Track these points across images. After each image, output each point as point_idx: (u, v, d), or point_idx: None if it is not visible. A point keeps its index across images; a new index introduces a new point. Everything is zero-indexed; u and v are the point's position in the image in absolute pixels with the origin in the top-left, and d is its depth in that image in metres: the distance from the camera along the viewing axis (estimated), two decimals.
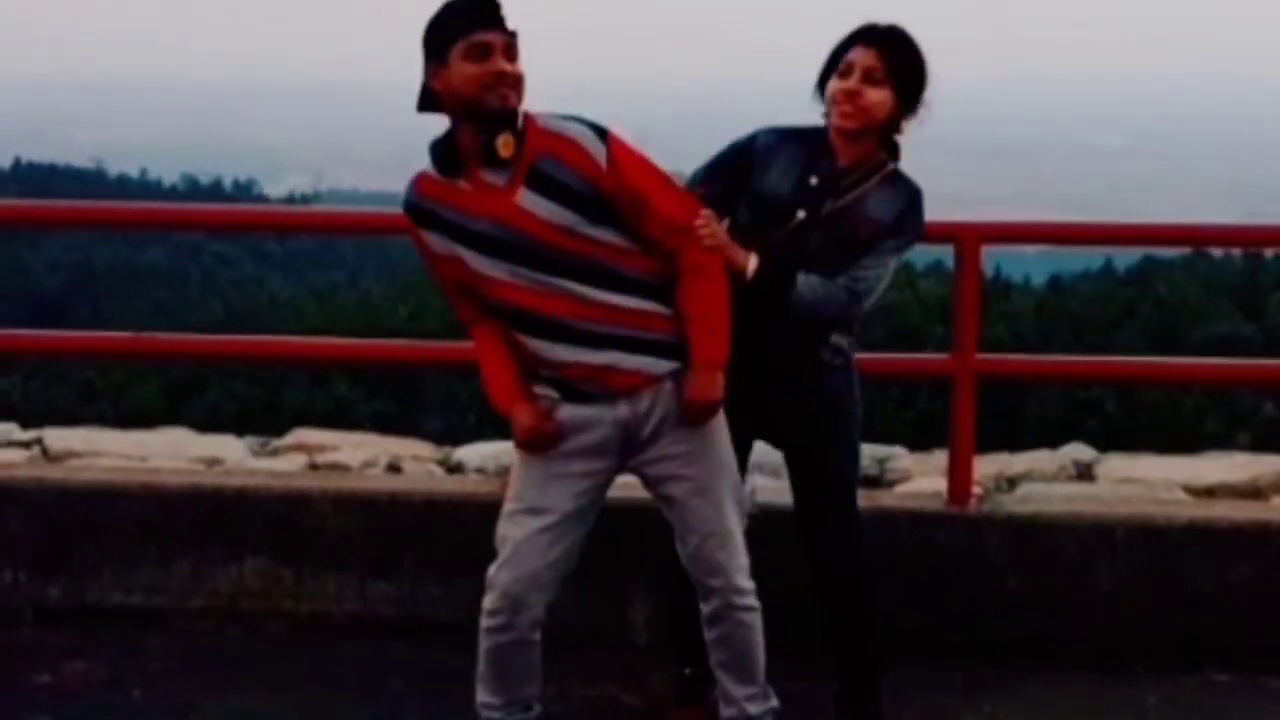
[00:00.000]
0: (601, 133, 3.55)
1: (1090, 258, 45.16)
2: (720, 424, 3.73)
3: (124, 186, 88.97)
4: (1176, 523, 4.84)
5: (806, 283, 3.76)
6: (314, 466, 5.89)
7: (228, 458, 5.99)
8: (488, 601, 3.71)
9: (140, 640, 4.90)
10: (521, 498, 3.73)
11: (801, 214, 3.81)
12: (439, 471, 5.93)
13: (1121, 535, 4.79)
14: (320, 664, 4.76)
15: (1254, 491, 5.46)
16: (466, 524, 4.96)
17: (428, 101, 3.58)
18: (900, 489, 5.44)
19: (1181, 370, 6.72)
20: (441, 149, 3.59)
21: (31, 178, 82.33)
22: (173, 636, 4.96)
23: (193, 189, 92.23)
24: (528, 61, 3.55)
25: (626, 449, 3.70)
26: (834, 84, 3.80)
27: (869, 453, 5.65)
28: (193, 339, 6.02)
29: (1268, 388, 15.58)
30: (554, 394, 3.68)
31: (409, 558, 4.98)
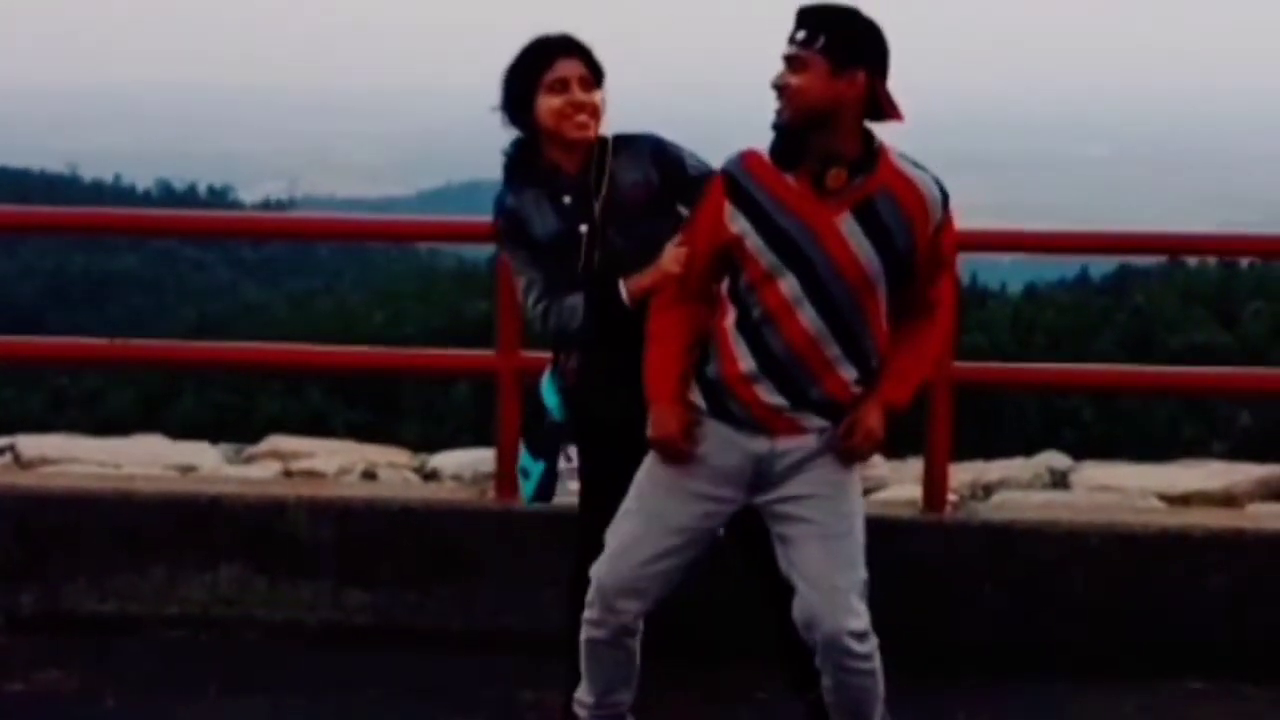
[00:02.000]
0: (945, 196, 3.59)
1: (1066, 266, 45.35)
2: (856, 480, 3.70)
3: (98, 192, 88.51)
4: (1151, 530, 4.85)
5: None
6: (289, 474, 5.87)
7: (202, 465, 5.96)
8: (589, 596, 3.72)
9: (113, 648, 4.88)
10: (642, 499, 3.71)
11: (584, 228, 3.85)
12: (415, 479, 5.90)
13: (1097, 543, 4.80)
14: (295, 672, 4.73)
15: (1228, 499, 5.47)
16: (442, 531, 4.95)
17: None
18: (876, 496, 5.44)
19: (1157, 379, 6.72)
20: (785, 138, 3.56)
21: (4, 183, 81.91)
22: (146, 644, 4.94)
23: (167, 195, 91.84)
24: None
25: (756, 483, 3.65)
26: (553, 101, 3.81)
27: None
28: (167, 345, 6.01)
29: (1243, 396, 15.68)
30: (702, 404, 3.65)
31: (384, 565, 4.96)
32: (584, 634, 3.76)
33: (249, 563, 5.00)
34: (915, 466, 5.35)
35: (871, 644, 3.64)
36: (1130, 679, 4.67)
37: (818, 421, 3.61)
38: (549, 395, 4.03)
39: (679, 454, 3.64)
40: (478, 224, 5.32)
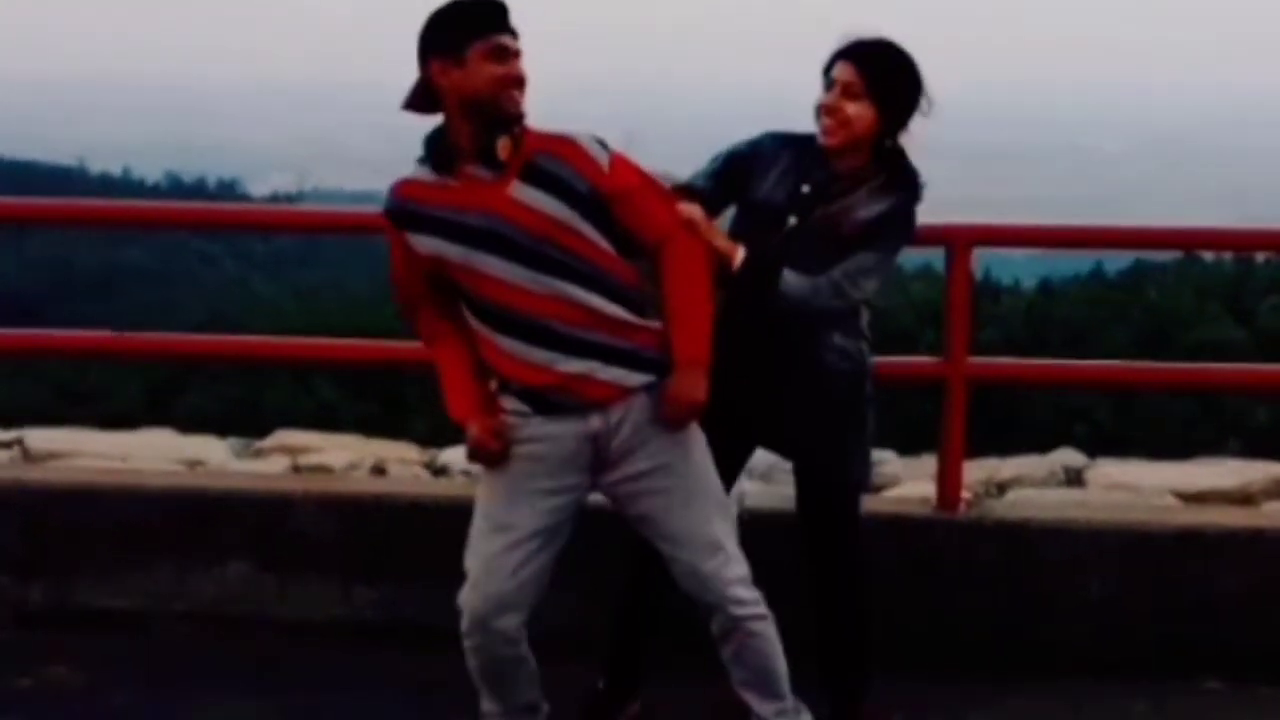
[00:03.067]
0: (604, 144, 3.58)
1: (1080, 261, 45.23)
2: (697, 434, 3.68)
3: (106, 184, 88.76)
4: (1167, 529, 4.81)
5: (792, 275, 3.77)
6: (297, 469, 5.86)
7: (210, 459, 5.95)
8: (462, 623, 3.67)
9: (121, 644, 4.87)
10: (488, 515, 3.68)
11: (793, 220, 3.84)
12: (424, 474, 5.89)
13: (1112, 541, 4.76)
14: (303, 668, 4.72)
15: (1245, 497, 5.45)
16: (452, 527, 4.88)
17: (421, 99, 3.58)
18: (889, 494, 5.42)
19: (1172, 375, 6.69)
20: (436, 144, 3.59)
21: (12, 175, 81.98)
22: (154, 640, 4.93)
23: (175, 187, 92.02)
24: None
25: (597, 464, 3.64)
26: (818, 98, 3.84)
27: None
28: (175, 339, 5.96)
29: (1258, 393, 15.62)
30: (525, 408, 3.63)
31: (393, 561, 4.93)
32: (469, 661, 3.70)
33: (257, 558, 4.98)
34: (929, 464, 5.32)
35: (757, 591, 3.68)
36: (1145, 678, 4.64)
37: (638, 378, 3.58)
38: None
39: (493, 454, 3.63)
40: None
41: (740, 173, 3.93)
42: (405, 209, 3.61)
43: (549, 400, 3.59)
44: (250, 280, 68.07)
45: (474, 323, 3.65)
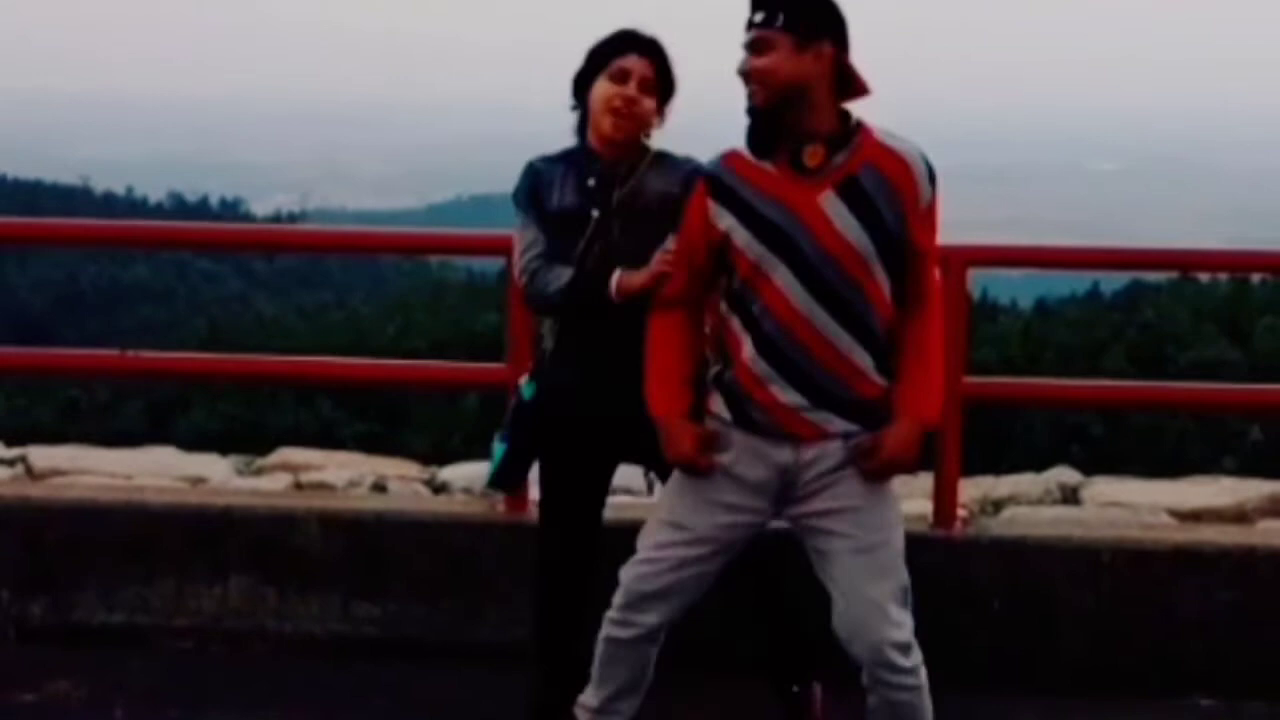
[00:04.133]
0: (932, 172, 3.52)
1: (1077, 281, 45.22)
2: (892, 488, 3.65)
3: (110, 204, 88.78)
4: (1162, 547, 4.84)
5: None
6: (299, 486, 5.88)
7: (213, 477, 5.98)
8: (614, 598, 3.71)
9: (123, 659, 4.88)
10: (670, 510, 3.71)
11: (595, 213, 3.89)
12: (425, 491, 5.91)
13: (1107, 559, 4.79)
14: (304, 684, 4.73)
15: (1240, 516, 5.47)
16: (452, 544, 4.95)
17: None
18: None
19: (1168, 394, 6.72)
20: (759, 122, 3.53)
21: (17, 194, 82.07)
22: (156, 656, 4.95)
23: (179, 207, 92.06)
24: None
25: (783, 495, 3.62)
26: (607, 87, 3.87)
27: None
28: (178, 357, 6.02)
29: (1254, 412, 15.63)
30: (727, 415, 3.62)
31: (394, 578, 4.96)
32: (604, 632, 3.75)
33: (259, 575, 5.01)
34: (925, 481, 5.34)
35: (916, 657, 3.59)
36: (1140, 696, 4.66)
37: (841, 424, 3.55)
38: (527, 382, 4.08)
39: (699, 470, 3.63)
40: (488, 237, 5.35)
41: (537, 201, 3.97)
42: (723, 178, 3.57)
43: (752, 416, 3.59)
44: (254, 299, 68.04)
45: (725, 309, 3.63)
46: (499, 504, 5.07)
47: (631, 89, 3.87)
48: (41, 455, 6.12)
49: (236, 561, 5.02)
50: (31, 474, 5.92)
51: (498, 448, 4.14)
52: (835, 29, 3.49)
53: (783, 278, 3.48)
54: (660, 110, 3.96)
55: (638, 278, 3.77)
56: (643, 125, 3.92)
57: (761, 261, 3.49)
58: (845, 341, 3.51)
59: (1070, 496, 5.79)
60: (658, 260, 3.74)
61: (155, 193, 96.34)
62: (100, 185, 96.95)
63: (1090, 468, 6.63)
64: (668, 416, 3.66)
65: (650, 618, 3.69)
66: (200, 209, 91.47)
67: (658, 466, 4.00)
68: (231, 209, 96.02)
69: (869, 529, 3.57)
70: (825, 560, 3.60)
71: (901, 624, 3.56)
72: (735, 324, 3.59)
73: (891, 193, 3.46)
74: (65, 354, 6.30)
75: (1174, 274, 31.45)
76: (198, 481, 5.87)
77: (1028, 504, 5.62)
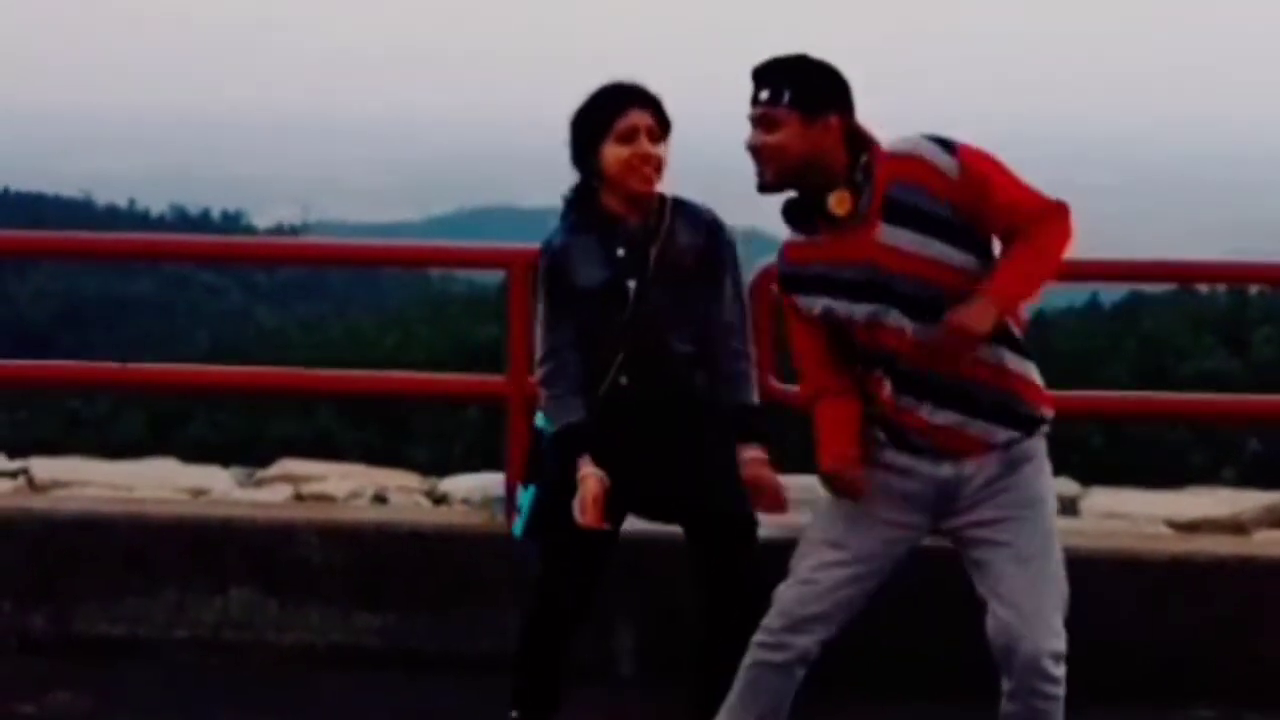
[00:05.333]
0: (948, 145, 3.48)
1: (1076, 293, 45.23)
2: (1049, 498, 3.65)
3: (112, 216, 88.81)
4: (1159, 557, 4.86)
5: (749, 391, 3.89)
6: (299, 497, 5.90)
7: (213, 488, 5.99)
8: (768, 618, 3.68)
9: (124, 671, 4.90)
10: (825, 529, 3.71)
11: (632, 284, 3.83)
12: (425, 502, 5.93)
13: (1104, 569, 4.80)
14: (304, 696, 4.75)
15: (1236, 526, 5.49)
16: (452, 555, 4.97)
17: None
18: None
19: (1167, 405, 6.73)
20: (793, 206, 3.59)
21: (20, 207, 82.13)
22: (157, 667, 4.96)
23: (181, 219, 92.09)
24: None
25: (940, 508, 3.63)
26: (621, 150, 3.79)
27: None
28: (179, 369, 6.03)
29: (1253, 423, 15.62)
30: (881, 435, 3.64)
31: (394, 589, 4.98)
32: (753, 658, 3.70)
33: (259, 586, 5.02)
34: None
35: (1064, 669, 3.60)
36: (1137, 706, 4.67)
37: (1004, 433, 3.56)
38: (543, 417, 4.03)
39: (852, 482, 3.60)
40: (487, 250, 5.38)
41: (564, 281, 3.89)
42: (792, 272, 3.62)
43: (908, 439, 3.60)
44: (255, 311, 68.05)
45: (860, 369, 3.64)
46: (498, 515, 5.08)
47: (645, 146, 3.80)
48: (43, 467, 6.14)
49: (237, 573, 5.03)
50: (33, 486, 5.93)
51: (524, 495, 4.09)
52: (840, 98, 3.53)
53: (894, 319, 3.50)
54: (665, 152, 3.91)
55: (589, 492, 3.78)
56: (663, 172, 3.86)
57: (869, 317, 3.52)
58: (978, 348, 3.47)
59: (1068, 507, 5.79)
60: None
61: (157, 205, 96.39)
62: (102, 198, 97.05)
63: (1090, 478, 6.64)
64: (828, 443, 3.64)
65: (806, 640, 3.66)
66: (202, 222, 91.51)
67: (682, 522, 4.01)
68: (233, 222, 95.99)
69: (1028, 537, 3.57)
70: (985, 570, 3.61)
71: (1061, 634, 3.58)
72: (872, 373, 3.60)
73: (923, 192, 3.46)
74: (67, 366, 6.32)
75: (1173, 286, 31.47)
76: (198, 493, 5.89)
77: None
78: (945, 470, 3.58)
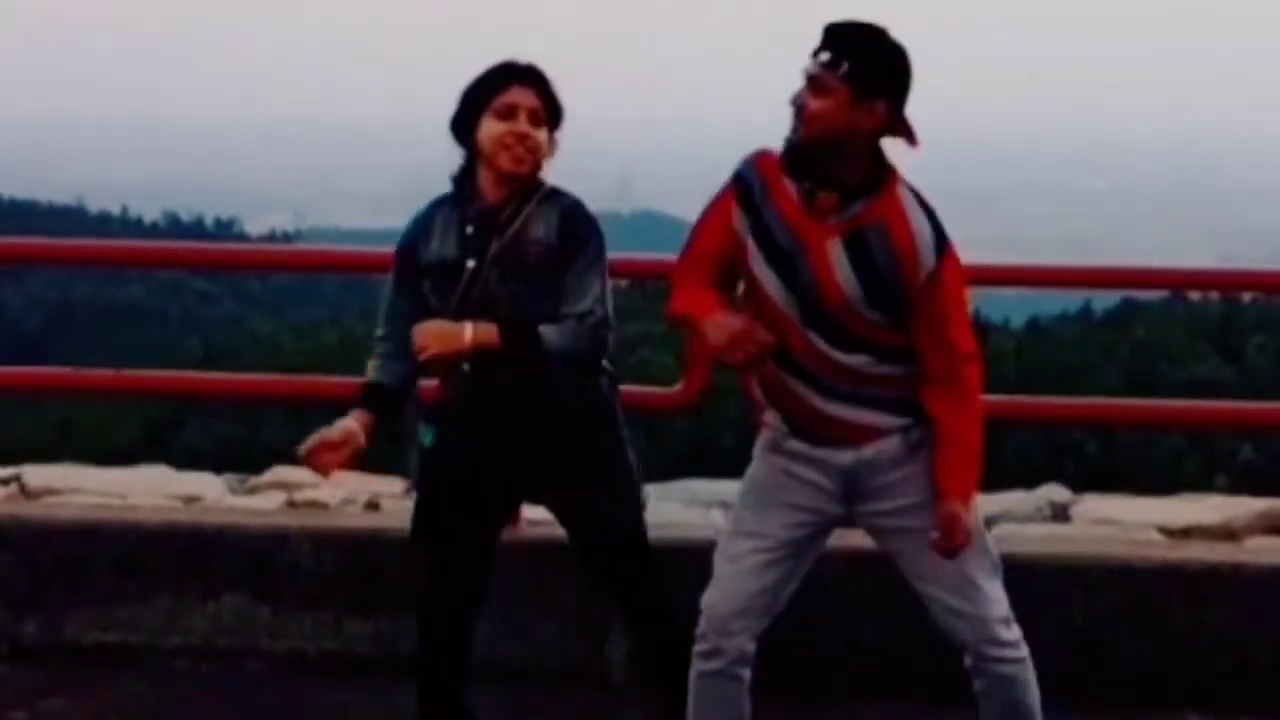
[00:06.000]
0: (941, 245, 3.49)
1: (1069, 300, 45.30)
2: None
3: (105, 223, 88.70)
4: (1150, 564, 4.87)
5: (548, 330, 3.75)
6: (292, 504, 5.89)
7: (206, 495, 5.98)
8: (698, 626, 3.68)
9: (117, 678, 4.90)
10: (739, 520, 3.72)
11: (471, 263, 3.79)
12: None
13: (1095, 575, 4.82)
14: (297, 702, 4.76)
15: (1228, 533, 5.48)
16: None
17: None
18: None
19: (1161, 412, 6.75)
20: (794, 155, 3.51)
21: (12, 214, 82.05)
22: (149, 674, 4.96)
23: (174, 226, 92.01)
24: None
25: (850, 496, 3.64)
26: (496, 126, 3.77)
27: None
28: (172, 376, 6.04)
29: (1246, 430, 15.67)
30: (782, 426, 3.66)
31: (387, 595, 4.98)
32: (695, 669, 3.70)
33: (252, 593, 5.02)
34: None
35: (1017, 631, 3.64)
36: (1128, 712, 4.68)
37: (894, 420, 3.58)
38: (426, 429, 3.98)
39: (754, 339, 3.44)
40: None
41: (411, 255, 3.89)
42: (754, 182, 3.55)
43: (808, 430, 3.61)
44: (248, 318, 67.98)
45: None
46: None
47: (522, 124, 3.76)
48: (35, 474, 6.12)
49: (230, 580, 5.04)
50: (25, 493, 5.92)
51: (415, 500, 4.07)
52: (896, 87, 3.49)
53: (781, 297, 3.51)
54: (550, 139, 3.86)
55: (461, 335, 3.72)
56: (539, 159, 3.82)
57: (764, 279, 3.52)
58: (844, 359, 3.53)
59: (1060, 514, 5.80)
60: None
61: (150, 212, 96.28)
62: (95, 205, 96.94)
63: (1083, 485, 6.64)
64: (705, 313, 3.52)
65: (737, 641, 3.65)
66: (195, 228, 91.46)
67: (556, 513, 4.02)
68: (226, 229, 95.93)
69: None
70: (906, 559, 3.66)
71: (999, 599, 3.63)
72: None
73: (892, 257, 3.46)
74: (60, 373, 6.30)
75: (1166, 292, 31.56)
76: (191, 500, 5.88)
77: (1018, 521, 5.63)
78: (846, 457, 3.59)
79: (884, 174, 3.52)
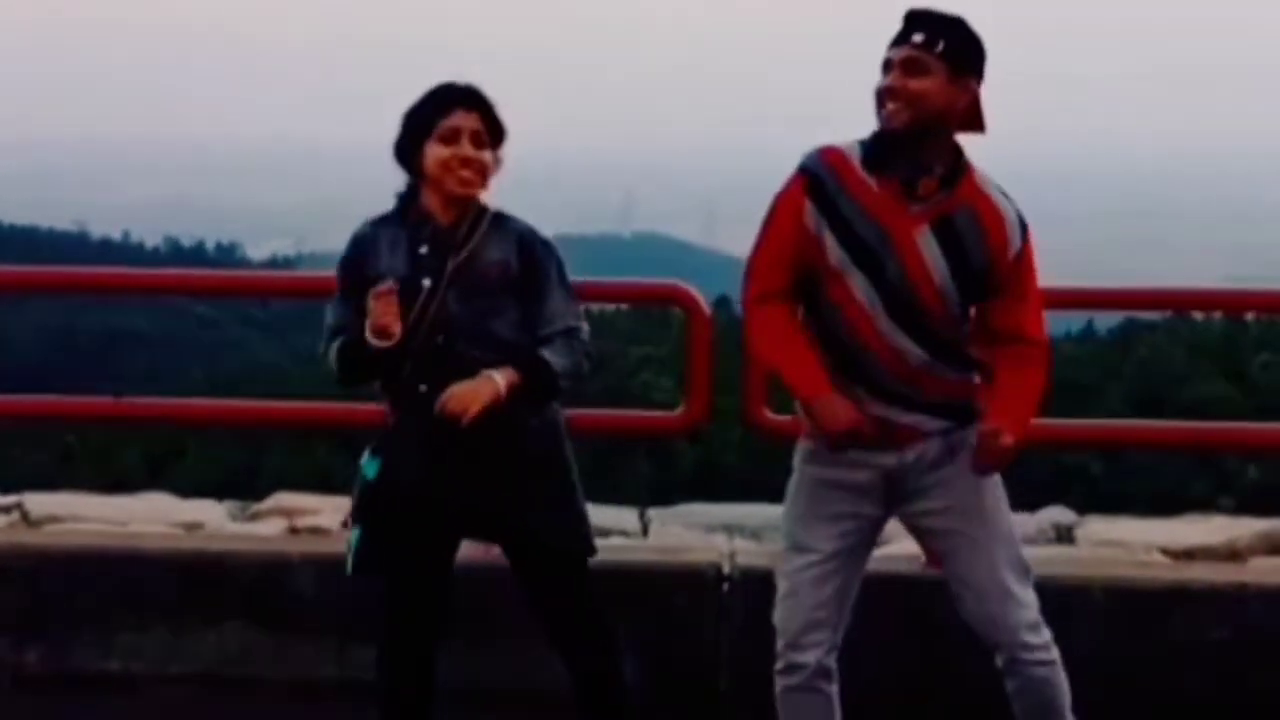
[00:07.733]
0: (1024, 227, 3.59)
1: (1072, 320, 45.35)
2: (997, 481, 3.73)
3: (106, 249, 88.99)
4: (1153, 585, 4.87)
5: (551, 354, 3.79)
6: (294, 531, 5.88)
7: (208, 522, 5.97)
8: (777, 645, 3.71)
9: (119, 707, 4.89)
10: (789, 535, 3.75)
11: (427, 282, 3.78)
12: None
13: (1098, 597, 4.81)
14: None
15: (1232, 554, 5.47)
16: None
17: None
18: (879, 551, 5.43)
19: (1166, 433, 6.76)
20: (886, 142, 3.52)
21: (13, 240, 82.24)
22: (151, 702, 4.95)
23: (175, 251, 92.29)
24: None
25: (891, 497, 3.68)
26: (441, 150, 3.77)
27: None
28: (174, 403, 6.04)
29: (1251, 450, 15.66)
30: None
31: None
32: (778, 685, 3.73)
33: (254, 620, 5.01)
34: None
35: (1047, 634, 3.71)
36: None
37: (936, 423, 3.62)
38: (369, 460, 3.95)
39: (860, 434, 3.53)
40: None
41: (357, 272, 3.87)
42: (823, 176, 3.54)
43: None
44: (249, 343, 68.07)
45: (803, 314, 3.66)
46: (493, 548, 5.07)
47: (466, 149, 3.76)
48: (37, 502, 6.11)
49: (231, 607, 5.03)
50: (27, 521, 5.91)
51: (352, 533, 4.03)
52: (981, 69, 3.55)
53: (862, 290, 3.52)
54: (495, 157, 3.86)
55: (469, 392, 3.69)
56: (486, 179, 3.83)
57: (845, 270, 3.52)
58: (916, 356, 3.56)
59: (1064, 536, 5.79)
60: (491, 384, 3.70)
61: (151, 238, 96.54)
62: (96, 230, 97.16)
63: (1088, 506, 6.64)
64: (819, 392, 3.57)
65: (813, 654, 3.68)
66: (196, 254, 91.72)
67: (504, 543, 4.02)
68: (227, 254, 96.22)
69: (979, 521, 3.67)
70: (944, 560, 3.74)
71: (1028, 604, 3.69)
72: (812, 327, 3.64)
73: (982, 239, 3.52)
74: (62, 401, 6.31)
75: (1169, 312, 31.58)
76: (193, 527, 5.87)
77: (1022, 544, 5.61)
78: (888, 459, 3.62)
79: (962, 159, 3.56)
